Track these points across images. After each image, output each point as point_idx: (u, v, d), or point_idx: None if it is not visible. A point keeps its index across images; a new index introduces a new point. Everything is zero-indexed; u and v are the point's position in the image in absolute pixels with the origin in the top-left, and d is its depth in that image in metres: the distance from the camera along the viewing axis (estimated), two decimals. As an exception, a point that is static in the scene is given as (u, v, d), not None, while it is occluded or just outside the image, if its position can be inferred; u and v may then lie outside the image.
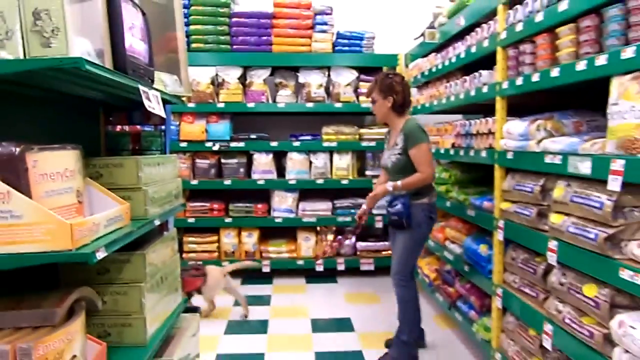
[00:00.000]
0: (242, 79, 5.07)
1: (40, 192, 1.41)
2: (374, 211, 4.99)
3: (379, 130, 5.03)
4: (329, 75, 5.12)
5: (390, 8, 5.44)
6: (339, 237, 4.20)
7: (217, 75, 5.03)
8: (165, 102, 2.26)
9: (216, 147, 4.93)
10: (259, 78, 5.05)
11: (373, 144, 5.02)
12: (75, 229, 1.39)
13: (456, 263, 3.47)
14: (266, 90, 5.05)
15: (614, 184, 1.76)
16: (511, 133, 2.57)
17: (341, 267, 4.99)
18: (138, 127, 2.69)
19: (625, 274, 1.71)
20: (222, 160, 5.07)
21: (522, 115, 2.61)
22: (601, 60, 1.87)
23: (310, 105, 4.97)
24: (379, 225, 4.88)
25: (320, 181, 5.01)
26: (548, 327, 2.20)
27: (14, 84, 1.70)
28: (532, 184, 2.44)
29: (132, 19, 1.82)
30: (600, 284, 1.93)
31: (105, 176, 1.92)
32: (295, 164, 5.05)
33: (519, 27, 2.48)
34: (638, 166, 1.66)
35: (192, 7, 4.90)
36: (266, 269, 4.95)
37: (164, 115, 2.05)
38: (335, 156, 5.08)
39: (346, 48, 5.07)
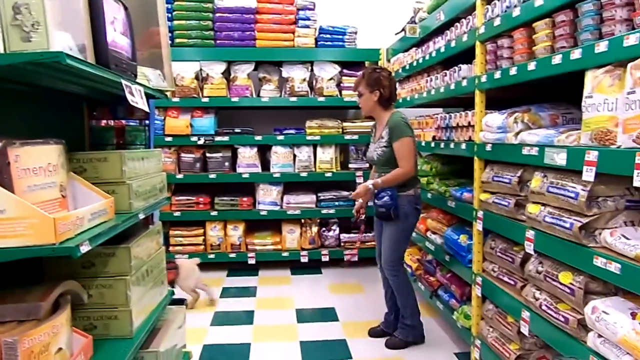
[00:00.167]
0: (226, 73, 5.07)
1: (23, 186, 1.42)
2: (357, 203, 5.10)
3: (362, 124, 5.07)
4: (312, 69, 5.14)
5: (372, 3, 5.47)
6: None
7: (201, 70, 5.02)
8: (148, 96, 2.27)
9: (201, 142, 4.93)
10: (242, 73, 5.06)
11: (356, 137, 5.06)
12: (58, 223, 1.40)
13: (437, 253, 3.53)
14: (250, 84, 5.05)
15: (588, 174, 1.81)
16: (490, 126, 2.62)
17: (325, 259, 5.04)
18: (122, 121, 2.69)
19: (599, 262, 1.76)
20: (207, 154, 5.07)
21: (501, 108, 2.66)
22: (576, 54, 1.92)
23: (293, 99, 4.99)
24: (362, 217, 4.93)
25: (304, 174, 5.04)
26: (525, 314, 2.26)
27: (-5, 79, 1.70)
28: (510, 175, 2.49)
29: (113, 13, 1.82)
30: (575, 272, 1.98)
31: (89, 170, 1.93)
32: (280, 157, 5.07)
33: (497, 22, 2.53)
34: (611, 157, 1.71)
35: (176, 3, 4.89)
36: (252, 261, 4.99)
37: (147, 110, 2.06)
38: (319, 149, 5.11)
39: (329, 43, 5.09)
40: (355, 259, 5.06)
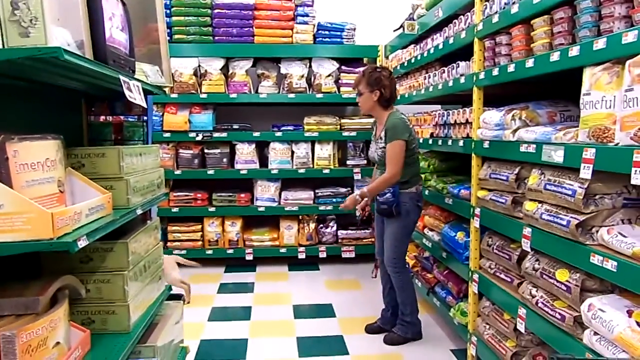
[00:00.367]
0: (225, 70, 5.07)
1: (21, 181, 1.42)
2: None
3: (360, 121, 5.08)
4: (310, 66, 5.14)
5: (370, 0, 5.46)
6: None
7: (199, 66, 5.01)
8: (146, 92, 2.27)
9: (199, 138, 4.93)
10: (241, 69, 5.05)
11: (354, 134, 5.06)
12: (56, 218, 1.40)
13: (434, 250, 3.54)
14: (248, 81, 5.05)
15: (586, 172, 1.82)
16: (487, 123, 2.62)
17: (323, 255, 5.05)
18: (120, 117, 2.69)
19: (595, 259, 1.77)
20: (205, 151, 5.07)
21: (499, 105, 2.66)
22: (574, 51, 1.92)
23: (292, 96, 4.98)
24: (366, 214, 4.97)
25: (302, 171, 5.04)
26: (522, 311, 2.27)
27: (-7, 74, 1.70)
28: (507, 172, 2.50)
29: (112, 9, 1.82)
30: (571, 269, 1.99)
31: (87, 166, 1.93)
32: (278, 153, 5.07)
33: (495, 19, 2.53)
34: (608, 155, 1.71)
35: (175, -1, 4.88)
36: (249, 257, 4.99)
37: (145, 106, 2.07)
38: (317, 146, 5.11)
39: (327, 39, 5.09)
40: (353, 255, 5.06)
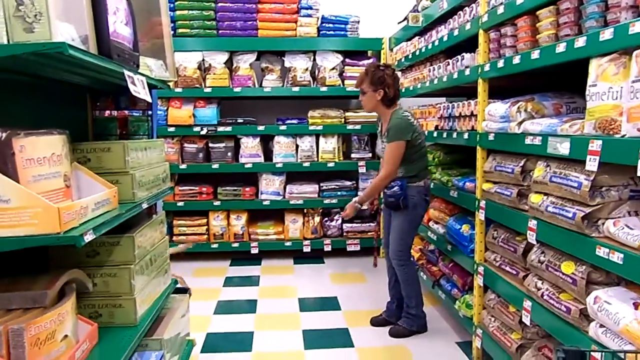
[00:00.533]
0: (229, 63, 5.06)
1: (28, 176, 1.43)
2: (359, 193, 5.09)
3: (365, 114, 5.06)
4: (314, 59, 5.13)
5: (374, -8, 5.45)
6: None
7: (203, 60, 5.01)
8: (151, 86, 2.27)
9: (204, 132, 4.93)
10: (245, 63, 5.04)
11: (358, 127, 5.05)
12: (62, 212, 1.41)
13: (439, 243, 3.54)
14: (252, 74, 5.04)
15: (592, 164, 1.81)
16: (492, 115, 2.61)
17: (328, 248, 5.06)
18: (125, 112, 2.70)
19: (601, 252, 1.76)
20: (210, 145, 5.08)
21: (504, 97, 2.65)
22: (580, 42, 1.90)
23: (296, 89, 4.98)
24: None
25: (306, 164, 5.04)
26: (527, 304, 2.26)
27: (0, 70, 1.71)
28: (512, 164, 2.49)
29: (116, 4, 1.82)
30: (577, 262, 1.99)
31: (93, 161, 1.94)
32: (282, 147, 5.07)
33: (501, 10, 2.51)
34: (615, 146, 1.70)
35: (178, -7, 4.87)
36: (254, 251, 5.01)
37: (149, 100, 2.07)
38: (322, 139, 5.10)
39: (331, 32, 5.07)
40: (358, 248, 5.07)
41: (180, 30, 4.89)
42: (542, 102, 2.38)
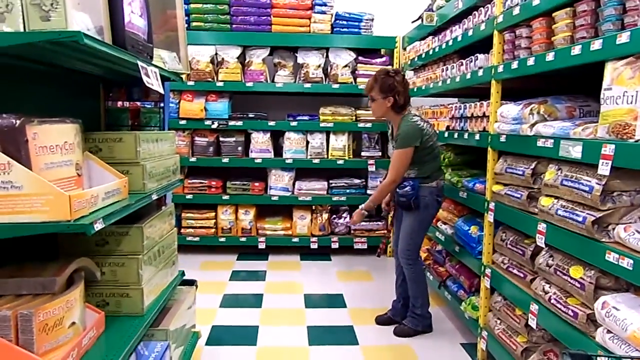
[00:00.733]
0: (242, 58, 5.07)
1: (40, 164, 1.44)
2: (368, 191, 5.11)
3: (376, 112, 5.04)
4: (327, 56, 5.12)
5: (389, -10, 5.42)
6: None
7: (216, 54, 5.02)
8: (163, 78, 2.29)
9: (215, 126, 4.95)
10: (258, 58, 5.05)
11: (369, 125, 5.04)
12: (73, 200, 1.42)
13: (447, 243, 3.53)
14: (265, 70, 5.04)
15: (604, 168, 1.79)
16: (505, 117, 2.60)
17: (335, 245, 5.06)
18: (137, 103, 2.72)
19: (611, 257, 1.75)
20: (221, 139, 5.09)
21: (516, 99, 2.63)
22: (596, 45, 1.89)
23: (308, 85, 4.97)
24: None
25: (316, 161, 5.04)
26: (534, 307, 2.25)
27: (16, 57, 1.72)
28: (523, 167, 2.47)
29: (131, -5, 1.83)
30: (586, 266, 1.97)
31: (105, 150, 1.96)
32: (292, 143, 5.08)
33: (516, 11, 2.49)
34: (628, 151, 1.69)
35: (192, -14, 4.88)
36: (262, 246, 5.02)
37: (162, 92, 2.08)
38: (332, 136, 5.10)
39: (345, 29, 5.05)
40: (365, 246, 5.07)
41: (194, 24, 4.91)
42: (555, 104, 2.37)
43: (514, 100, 2.64)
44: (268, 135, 5.08)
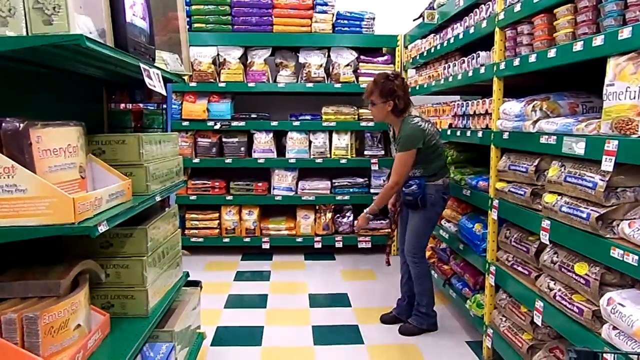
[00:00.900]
0: (243, 58, 5.08)
1: (44, 167, 1.45)
2: (372, 190, 5.10)
3: (379, 111, 5.04)
4: (329, 55, 5.12)
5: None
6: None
7: (218, 55, 5.02)
8: (166, 80, 2.29)
9: (217, 126, 4.95)
10: (259, 58, 5.05)
11: (372, 124, 5.04)
12: (77, 203, 1.43)
13: (451, 241, 3.52)
14: (267, 70, 5.05)
15: (608, 164, 1.79)
16: (507, 114, 2.59)
17: (339, 245, 5.06)
18: (140, 105, 2.72)
19: (616, 253, 1.74)
20: (224, 139, 5.09)
21: (519, 96, 2.63)
22: (598, 41, 1.88)
23: (310, 85, 4.97)
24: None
25: (319, 160, 5.04)
26: (539, 304, 2.25)
27: (19, 61, 1.73)
28: (526, 164, 2.47)
29: (132, -3, 1.84)
30: (591, 263, 1.97)
31: (108, 153, 1.96)
32: (295, 143, 5.08)
33: (517, 8, 2.48)
34: (631, 147, 1.68)
35: (194, -13, 4.89)
36: (266, 246, 5.03)
37: (164, 93, 2.08)
38: (335, 136, 5.10)
39: (346, 28, 5.05)
40: (369, 245, 5.07)
41: (195, 25, 4.92)
42: (557, 101, 2.36)
43: (516, 97, 2.64)
44: (271, 135, 5.09)
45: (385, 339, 3.23)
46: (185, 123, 4.93)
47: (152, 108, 2.74)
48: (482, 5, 2.99)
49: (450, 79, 3.48)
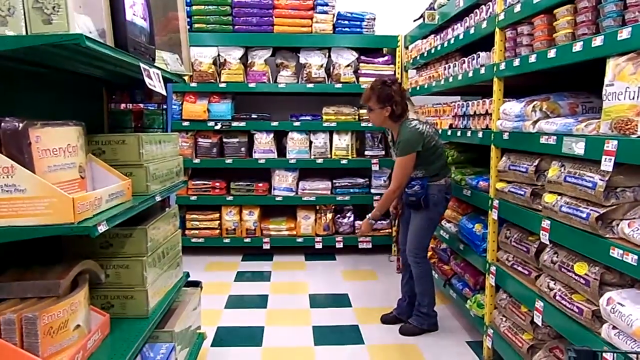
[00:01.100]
0: (244, 59, 5.08)
1: (43, 166, 1.45)
2: (372, 191, 5.10)
3: (379, 111, 5.04)
4: (329, 56, 5.12)
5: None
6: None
7: (219, 55, 5.02)
8: (166, 80, 2.29)
9: (218, 127, 4.96)
10: (260, 58, 5.05)
11: (372, 124, 5.02)
12: (77, 203, 1.43)
13: (452, 242, 3.52)
14: (267, 70, 5.05)
15: (607, 164, 1.79)
16: (507, 114, 2.59)
17: (339, 245, 5.06)
18: (140, 105, 2.72)
19: (615, 253, 1.74)
20: (224, 140, 5.10)
21: (519, 96, 2.63)
22: (597, 41, 1.88)
23: (310, 85, 4.97)
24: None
25: (320, 161, 5.04)
26: (539, 304, 2.25)
27: (19, 61, 1.73)
28: (527, 164, 2.47)
29: (132, -3, 1.84)
30: (590, 262, 1.97)
31: (108, 153, 1.96)
32: (296, 143, 5.08)
33: (517, 8, 2.49)
34: (631, 147, 1.68)
35: (195, -13, 4.90)
36: (266, 246, 5.03)
37: (164, 93, 2.09)
38: (335, 136, 5.10)
39: (347, 29, 5.05)
40: (369, 246, 5.06)
41: (196, 25, 4.92)
42: (557, 101, 2.36)
43: (516, 98, 2.64)
44: (271, 135, 5.09)
45: (386, 339, 3.23)
46: (186, 123, 4.93)
47: (153, 108, 2.74)
48: (483, 6, 2.99)
49: (451, 79, 3.48)
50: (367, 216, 3.35)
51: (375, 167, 5.05)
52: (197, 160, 5.01)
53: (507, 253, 2.72)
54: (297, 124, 5.05)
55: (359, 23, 5.07)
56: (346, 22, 5.05)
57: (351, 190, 5.11)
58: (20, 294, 1.55)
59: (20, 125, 1.39)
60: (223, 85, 4.93)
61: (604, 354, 1.60)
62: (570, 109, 2.34)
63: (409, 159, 3.06)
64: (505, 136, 2.62)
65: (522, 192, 2.47)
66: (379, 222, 5.00)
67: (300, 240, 5.06)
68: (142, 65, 1.86)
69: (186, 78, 2.72)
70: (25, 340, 1.42)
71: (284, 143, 5.16)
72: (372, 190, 5.12)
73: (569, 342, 2.09)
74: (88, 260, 1.82)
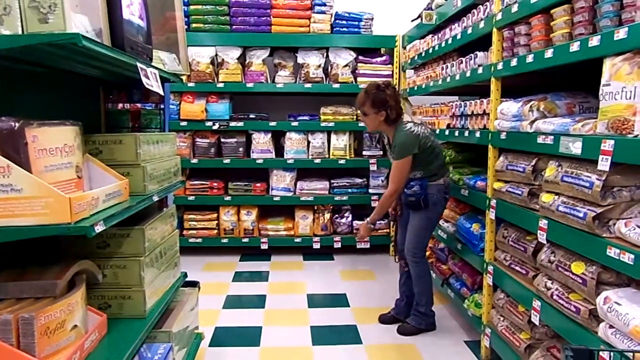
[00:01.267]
0: (242, 59, 5.07)
1: (40, 166, 1.45)
2: (370, 190, 5.10)
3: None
4: (327, 56, 5.12)
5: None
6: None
7: (216, 55, 5.02)
8: (163, 80, 2.29)
9: (216, 127, 4.95)
10: (258, 58, 5.05)
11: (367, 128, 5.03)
12: (74, 203, 1.43)
13: (449, 241, 3.53)
14: (265, 70, 5.05)
15: (604, 163, 1.79)
16: (505, 114, 2.59)
17: (338, 245, 5.06)
18: (138, 105, 2.72)
19: (612, 252, 1.75)
20: (222, 140, 5.09)
21: (516, 96, 2.63)
22: (594, 41, 1.89)
23: (308, 85, 4.97)
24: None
25: (317, 161, 5.04)
26: (536, 304, 2.25)
27: (15, 60, 1.73)
28: (524, 164, 2.47)
29: (129, -3, 1.83)
30: (587, 262, 1.97)
31: (105, 152, 1.96)
32: (294, 143, 5.08)
33: (515, 9, 2.49)
34: (627, 146, 1.69)
35: (192, -13, 4.89)
36: (264, 246, 5.02)
37: (161, 93, 2.08)
38: (333, 136, 5.10)
39: (344, 29, 5.05)
40: (367, 246, 5.07)
41: (194, 25, 4.92)
42: (555, 101, 2.36)
43: (513, 98, 2.64)
44: (269, 135, 5.08)
45: (384, 339, 3.23)
46: (184, 123, 4.93)
47: (150, 108, 2.74)
48: (480, 6, 2.99)
49: (448, 79, 3.48)
50: (366, 220, 3.36)
51: (373, 167, 5.05)
52: (194, 160, 5.00)
53: (505, 253, 2.72)
54: (295, 124, 5.05)
55: (356, 23, 5.07)
56: (344, 22, 5.05)
57: (349, 190, 5.11)
58: (17, 294, 1.55)
59: (17, 124, 1.39)
60: (221, 85, 4.92)
61: (601, 353, 1.61)
62: (568, 108, 2.35)
63: (405, 162, 3.06)
64: (503, 136, 2.62)
65: (520, 192, 2.47)
66: (377, 222, 5.03)
67: (298, 240, 5.06)
68: (139, 64, 1.86)
69: (184, 78, 2.72)
70: (22, 341, 1.42)
71: (282, 143, 5.16)
72: (370, 190, 5.12)
73: (566, 341, 2.10)
74: (85, 260, 1.82)
